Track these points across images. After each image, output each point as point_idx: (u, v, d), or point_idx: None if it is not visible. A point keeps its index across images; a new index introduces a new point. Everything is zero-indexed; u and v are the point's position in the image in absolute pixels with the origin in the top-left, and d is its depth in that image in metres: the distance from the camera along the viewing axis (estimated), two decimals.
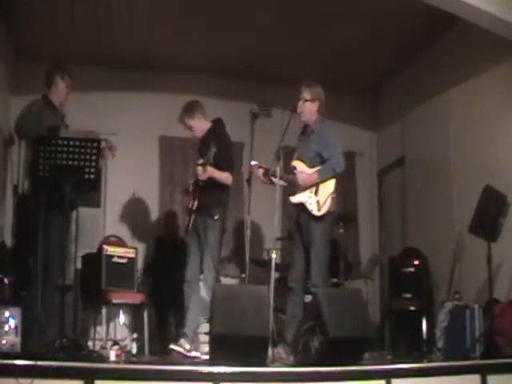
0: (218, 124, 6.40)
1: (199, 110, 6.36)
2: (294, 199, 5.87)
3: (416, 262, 7.45)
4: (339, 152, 5.85)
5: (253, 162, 5.84)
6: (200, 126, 6.36)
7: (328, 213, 5.73)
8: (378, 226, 9.41)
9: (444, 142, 7.78)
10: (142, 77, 8.42)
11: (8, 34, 7.57)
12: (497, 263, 5.99)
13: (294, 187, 5.91)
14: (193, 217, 6.18)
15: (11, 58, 7.91)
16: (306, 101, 5.93)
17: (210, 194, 6.12)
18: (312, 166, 5.87)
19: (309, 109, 5.95)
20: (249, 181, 5.86)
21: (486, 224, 5.80)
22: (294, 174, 5.90)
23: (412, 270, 7.43)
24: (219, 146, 6.01)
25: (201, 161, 6.03)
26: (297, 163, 5.95)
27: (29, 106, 5.58)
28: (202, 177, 6.01)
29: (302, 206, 5.82)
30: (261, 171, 5.83)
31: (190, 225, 6.20)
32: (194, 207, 6.17)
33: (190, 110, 6.33)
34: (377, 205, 9.48)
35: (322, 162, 5.84)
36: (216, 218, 6.10)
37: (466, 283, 6.98)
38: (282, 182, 5.85)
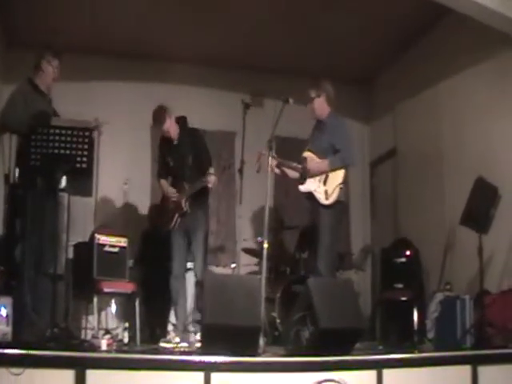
0: (185, 120, 6.62)
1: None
2: (303, 188, 5.98)
3: (408, 253, 7.49)
4: (351, 145, 6.01)
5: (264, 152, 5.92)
6: (175, 126, 6.50)
7: (336, 202, 5.82)
8: (370, 216, 9.42)
9: (436, 134, 7.79)
10: (135, 66, 8.38)
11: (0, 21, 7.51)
12: (488, 255, 5.99)
13: (303, 175, 6.04)
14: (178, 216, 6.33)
15: (3, 46, 7.84)
16: (313, 99, 6.12)
17: (201, 195, 6.36)
18: (324, 158, 5.98)
19: (318, 105, 6.16)
20: (241, 170, 5.90)
21: (477, 216, 5.82)
22: (305, 163, 6.04)
23: (403, 260, 7.48)
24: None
25: (212, 169, 6.15)
26: (307, 154, 6.11)
27: (14, 96, 5.45)
28: (214, 185, 6.24)
29: (310, 195, 5.94)
30: (274, 162, 5.89)
31: (178, 223, 6.29)
32: (187, 208, 6.27)
33: (166, 112, 6.40)
34: (368, 196, 9.48)
35: (334, 152, 5.95)
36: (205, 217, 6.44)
37: (457, 274, 7.00)
38: (293, 173, 6.12)
